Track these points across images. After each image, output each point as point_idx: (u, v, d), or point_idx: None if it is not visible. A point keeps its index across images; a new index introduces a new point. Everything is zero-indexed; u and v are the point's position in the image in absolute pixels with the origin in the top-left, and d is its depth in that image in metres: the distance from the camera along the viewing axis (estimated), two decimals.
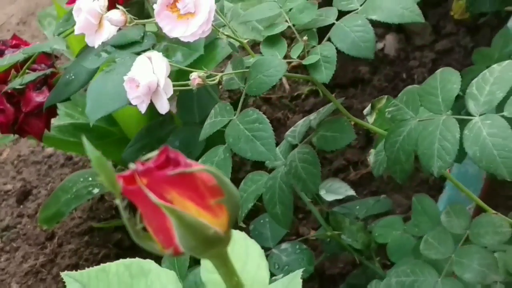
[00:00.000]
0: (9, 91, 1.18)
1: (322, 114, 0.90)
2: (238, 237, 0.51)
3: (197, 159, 0.93)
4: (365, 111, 1.01)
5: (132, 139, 1.28)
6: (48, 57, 1.24)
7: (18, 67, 1.20)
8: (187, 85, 0.74)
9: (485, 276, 0.83)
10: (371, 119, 0.97)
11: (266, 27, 0.81)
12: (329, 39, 0.82)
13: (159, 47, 0.94)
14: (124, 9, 0.69)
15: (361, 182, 1.69)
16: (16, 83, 1.16)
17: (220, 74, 0.76)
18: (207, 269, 0.48)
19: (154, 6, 0.68)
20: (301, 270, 0.50)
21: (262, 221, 1.15)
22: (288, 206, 0.89)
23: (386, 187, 1.66)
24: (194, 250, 0.34)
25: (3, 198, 1.86)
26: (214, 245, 0.35)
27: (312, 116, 0.93)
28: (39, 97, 1.18)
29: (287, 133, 0.94)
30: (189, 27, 0.68)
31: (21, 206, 1.83)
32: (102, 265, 0.53)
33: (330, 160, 1.75)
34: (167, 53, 0.90)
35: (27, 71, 1.20)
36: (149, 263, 0.51)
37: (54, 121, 1.35)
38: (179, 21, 0.68)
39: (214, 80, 0.75)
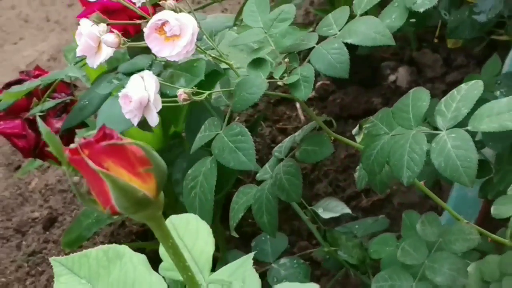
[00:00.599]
0: (31, 117, 1.26)
1: (305, 130, 0.98)
2: (192, 218, 0.59)
3: None
4: (353, 131, 1.08)
5: None
6: (67, 87, 1.33)
7: (39, 96, 1.29)
8: (176, 101, 0.82)
9: (455, 279, 0.90)
10: (358, 138, 1.04)
11: (252, 50, 0.90)
12: (309, 61, 0.90)
13: (165, 74, 1.02)
14: (119, 33, 0.78)
15: (373, 208, 1.75)
16: (37, 109, 1.25)
17: (207, 92, 0.84)
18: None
19: (144, 29, 0.77)
20: (253, 253, 0.57)
21: (263, 238, 1.23)
22: (274, 215, 0.96)
23: (396, 214, 1.71)
24: (127, 209, 0.42)
25: (31, 225, 1.94)
26: (144, 207, 0.43)
27: (297, 133, 1.01)
28: (59, 124, 1.26)
29: (275, 148, 1.02)
30: (175, 48, 0.76)
31: (47, 233, 1.90)
32: (84, 250, 0.61)
33: (343, 188, 1.82)
34: (172, 79, 0.98)
35: (47, 99, 1.29)
36: (124, 248, 0.59)
37: None
38: (166, 42, 0.77)
39: (201, 97, 0.83)
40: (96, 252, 0.59)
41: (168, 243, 0.45)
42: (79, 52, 0.82)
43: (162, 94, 0.89)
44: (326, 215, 1.22)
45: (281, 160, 0.98)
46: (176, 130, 1.55)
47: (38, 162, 1.63)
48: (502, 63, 1.55)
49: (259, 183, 1.02)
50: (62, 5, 2.47)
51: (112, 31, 0.78)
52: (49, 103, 1.26)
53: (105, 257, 0.59)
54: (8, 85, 1.29)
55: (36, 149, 1.30)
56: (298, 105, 2.04)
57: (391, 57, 2.08)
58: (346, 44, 0.88)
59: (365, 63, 2.02)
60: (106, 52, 0.80)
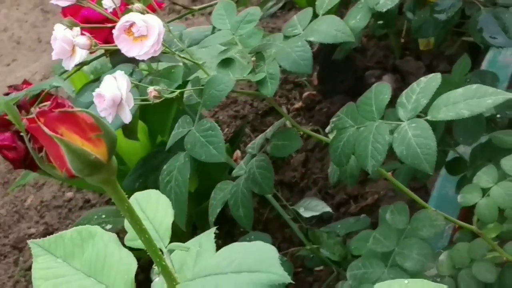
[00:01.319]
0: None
1: (275, 126, 1.03)
2: (153, 192, 0.63)
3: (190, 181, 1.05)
4: (327, 129, 1.12)
5: (131, 170, 1.40)
6: None
7: (28, 108, 1.33)
8: (147, 100, 0.87)
9: (423, 264, 0.94)
10: (332, 135, 1.08)
11: (220, 51, 0.94)
12: (274, 59, 0.94)
13: (145, 81, 1.06)
14: (90, 36, 0.83)
15: (362, 214, 1.78)
16: (25, 121, 1.29)
17: (178, 91, 0.89)
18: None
19: (113, 31, 0.81)
20: (215, 228, 0.61)
21: (248, 238, 1.27)
22: (249, 208, 1.00)
23: None
24: (82, 172, 0.47)
25: (27, 241, 1.98)
26: (97, 169, 0.47)
27: (268, 130, 1.05)
28: None
29: (248, 145, 1.06)
30: (143, 48, 0.81)
31: None
32: (59, 232, 0.65)
33: (332, 195, 1.85)
34: (152, 84, 1.02)
35: None
36: (95, 227, 0.63)
37: None
38: (134, 43, 0.81)
39: (172, 95, 0.87)
40: (71, 233, 0.64)
41: (124, 206, 0.49)
42: (54, 56, 0.87)
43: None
44: (307, 214, 1.26)
45: (254, 156, 1.02)
46: (163, 140, 1.59)
47: (31, 177, 1.68)
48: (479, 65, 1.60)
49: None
50: (54, 26, 2.51)
51: (83, 34, 0.83)
52: None
53: (79, 237, 0.63)
54: None
55: (26, 160, 1.33)
56: None
57: (375, 66, 2.12)
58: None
59: (350, 72, 2.07)
60: (80, 55, 0.85)
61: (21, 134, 1.31)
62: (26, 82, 1.40)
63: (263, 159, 0.99)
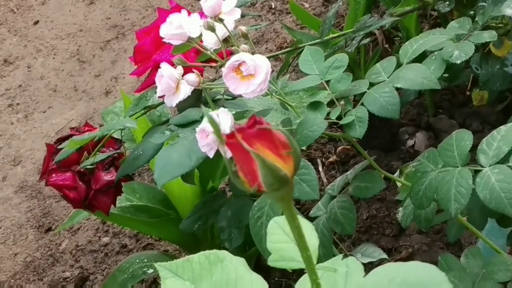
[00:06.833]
0: (82, 170, 1.34)
1: (357, 169, 1.06)
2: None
3: (247, 227, 1.08)
4: (395, 174, 1.16)
5: (190, 212, 1.43)
6: (115, 142, 1.41)
7: (90, 150, 1.37)
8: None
9: None
10: (402, 178, 1.12)
11: (309, 94, 0.98)
12: (362, 104, 0.98)
13: None
14: (198, 73, 0.87)
15: None
16: (88, 161, 1.32)
17: None
18: (270, 240, 0.63)
19: (222, 69, 0.85)
20: (342, 255, 0.64)
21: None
22: (329, 248, 1.03)
23: None
24: (271, 186, 0.50)
25: (62, 285, 1.99)
26: (284, 184, 0.50)
27: (348, 172, 1.09)
28: (107, 176, 1.33)
29: (327, 187, 1.10)
30: (250, 86, 0.85)
31: None
32: (186, 256, 0.68)
33: None
34: None
35: (97, 153, 1.37)
36: (223, 252, 0.66)
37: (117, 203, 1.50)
38: (242, 81, 0.85)
39: None
40: (198, 257, 0.66)
41: (294, 223, 0.52)
42: (159, 93, 0.90)
43: None
44: (364, 260, 1.28)
45: (334, 197, 1.05)
46: (213, 185, 1.63)
47: (81, 217, 1.70)
48: None
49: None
50: (90, 75, 2.57)
51: (191, 72, 0.87)
52: (100, 156, 1.34)
53: (206, 261, 0.66)
54: (60, 140, 1.37)
55: (86, 201, 1.36)
56: (320, 168, 2.12)
57: (409, 123, 2.16)
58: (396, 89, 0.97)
59: (384, 128, 2.11)
60: (185, 91, 0.89)
61: (82, 174, 1.35)
62: (87, 125, 1.44)
63: (345, 200, 1.02)
